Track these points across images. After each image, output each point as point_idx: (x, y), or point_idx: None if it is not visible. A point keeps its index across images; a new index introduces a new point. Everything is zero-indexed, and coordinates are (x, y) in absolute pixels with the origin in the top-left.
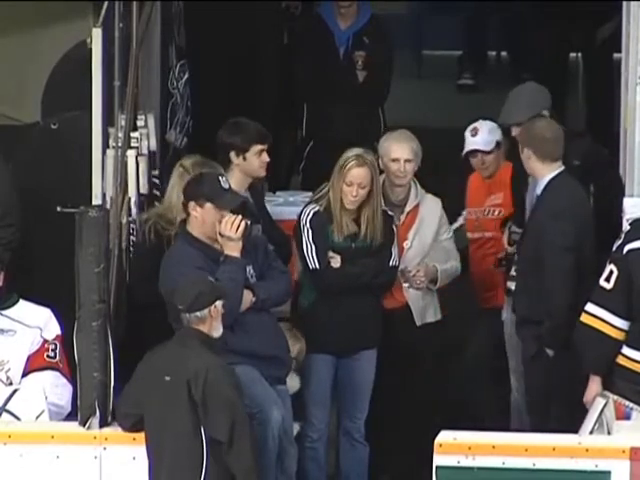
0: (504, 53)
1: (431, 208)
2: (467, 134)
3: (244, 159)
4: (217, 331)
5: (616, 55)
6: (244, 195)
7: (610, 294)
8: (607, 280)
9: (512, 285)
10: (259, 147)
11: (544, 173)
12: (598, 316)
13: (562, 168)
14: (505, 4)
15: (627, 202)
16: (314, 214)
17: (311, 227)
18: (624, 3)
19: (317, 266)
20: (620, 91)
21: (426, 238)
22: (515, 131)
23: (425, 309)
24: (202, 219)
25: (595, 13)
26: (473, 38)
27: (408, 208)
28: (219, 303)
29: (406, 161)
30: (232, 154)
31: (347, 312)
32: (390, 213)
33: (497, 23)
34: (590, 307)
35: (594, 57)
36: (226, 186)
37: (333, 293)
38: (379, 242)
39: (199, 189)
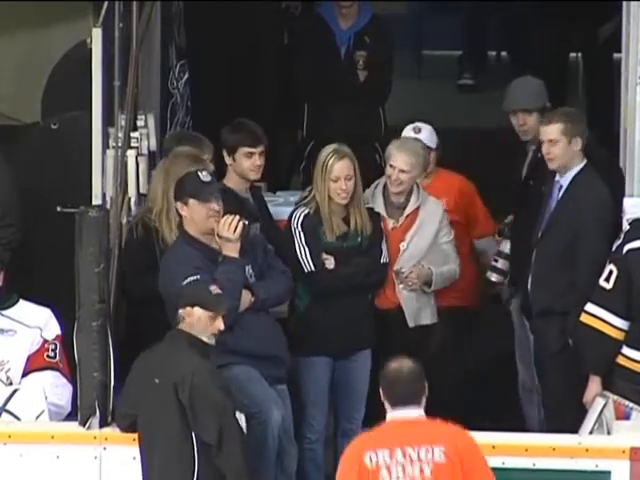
0: (504, 53)
1: (432, 211)
2: (409, 131)
3: (233, 160)
4: (207, 338)
5: (616, 55)
6: (245, 195)
7: (610, 294)
8: (607, 280)
9: (492, 276)
10: (246, 150)
11: (577, 164)
12: (598, 316)
13: (586, 161)
14: (505, 4)
15: (627, 202)
16: (304, 217)
17: (303, 230)
18: (624, 3)
19: (312, 268)
20: (620, 91)
21: (423, 241)
22: (521, 119)
23: (420, 311)
24: (190, 217)
25: (595, 13)
26: (473, 38)
27: (408, 211)
28: (196, 311)
29: (400, 171)
30: (224, 153)
31: (342, 313)
32: (376, 210)
33: (497, 23)
34: (590, 307)
35: (594, 57)
36: (207, 179)
37: (328, 295)
38: (368, 239)
39: (181, 188)
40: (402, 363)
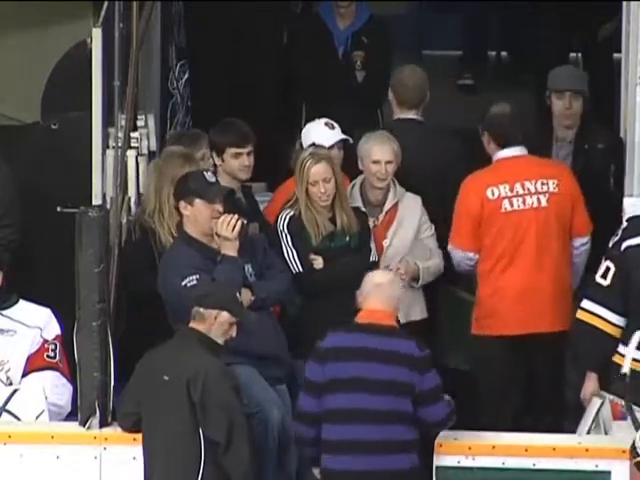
0: (504, 53)
1: (411, 206)
2: (323, 127)
3: (222, 160)
4: (217, 339)
5: (616, 55)
6: (237, 195)
7: (607, 290)
8: (604, 277)
9: None
10: (234, 150)
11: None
12: (595, 312)
13: (416, 117)
14: (505, 4)
15: (627, 202)
16: (290, 219)
17: (289, 232)
18: (624, 3)
19: (301, 269)
20: (620, 91)
21: (406, 236)
22: (569, 102)
23: (410, 307)
24: (194, 217)
25: (595, 13)
26: (473, 38)
27: (387, 207)
28: (224, 315)
29: (387, 162)
30: (214, 154)
31: (334, 313)
32: (363, 210)
33: (497, 23)
34: (586, 304)
35: (594, 57)
36: (212, 180)
37: (319, 295)
38: (357, 238)
39: (186, 187)
40: (504, 106)
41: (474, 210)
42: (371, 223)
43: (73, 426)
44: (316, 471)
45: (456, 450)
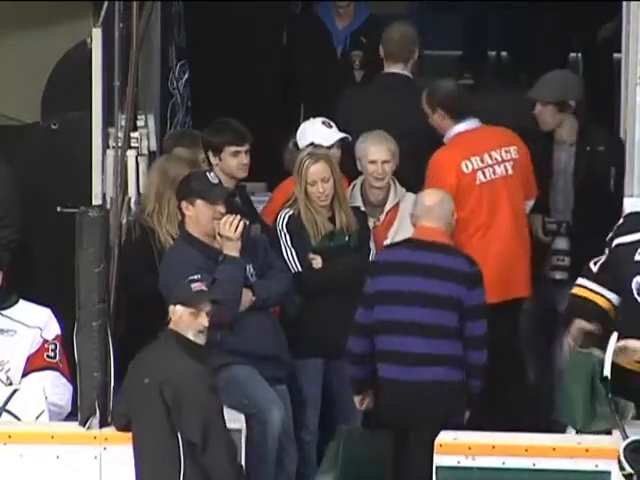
0: (504, 53)
1: (411, 206)
2: (320, 126)
3: (220, 159)
4: (196, 337)
5: (616, 55)
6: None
7: (600, 273)
8: (595, 264)
9: (557, 274)
10: (233, 149)
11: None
12: (589, 288)
13: (403, 72)
14: (505, 4)
15: (627, 202)
16: (289, 218)
17: (288, 231)
18: (624, 3)
19: (299, 269)
20: (620, 91)
21: (406, 236)
22: (539, 109)
23: None
24: (196, 217)
25: (595, 13)
26: (473, 38)
27: (388, 207)
28: (178, 309)
29: (384, 162)
30: (210, 154)
31: (333, 313)
32: (363, 209)
33: (497, 23)
34: (581, 281)
35: (594, 57)
36: (215, 181)
37: (318, 294)
38: (357, 238)
39: (188, 188)
40: (450, 81)
41: (451, 184)
42: (372, 223)
43: (73, 426)
44: (357, 398)
45: (456, 450)
